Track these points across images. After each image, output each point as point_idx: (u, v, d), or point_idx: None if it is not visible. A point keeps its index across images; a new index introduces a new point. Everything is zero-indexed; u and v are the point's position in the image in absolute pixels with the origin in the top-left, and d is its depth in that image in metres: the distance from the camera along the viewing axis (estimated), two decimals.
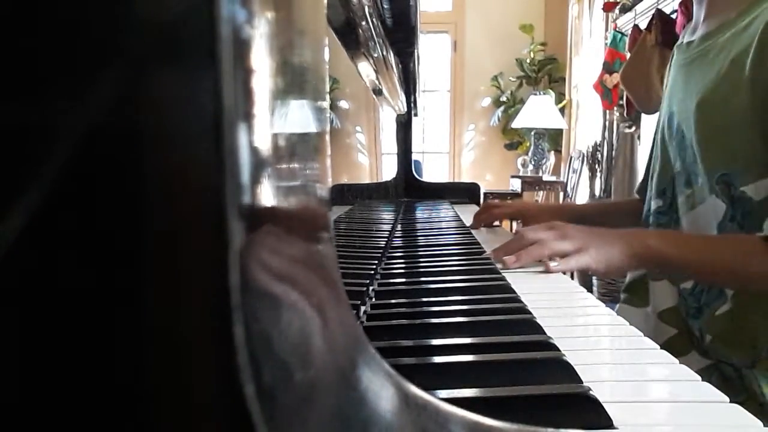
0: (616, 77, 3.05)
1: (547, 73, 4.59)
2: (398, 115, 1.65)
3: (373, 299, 0.59)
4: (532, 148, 4.26)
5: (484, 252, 0.84)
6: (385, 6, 1.00)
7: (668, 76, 0.99)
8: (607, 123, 3.60)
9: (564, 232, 0.78)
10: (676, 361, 0.43)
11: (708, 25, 0.89)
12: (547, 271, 0.76)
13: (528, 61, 4.57)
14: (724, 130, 0.81)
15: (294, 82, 0.20)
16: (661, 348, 0.46)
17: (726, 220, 0.82)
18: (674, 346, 0.86)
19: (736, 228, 0.81)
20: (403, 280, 0.70)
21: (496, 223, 1.22)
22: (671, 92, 0.96)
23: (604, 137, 3.65)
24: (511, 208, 1.26)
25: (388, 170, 1.59)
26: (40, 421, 0.14)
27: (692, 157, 0.87)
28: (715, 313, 0.84)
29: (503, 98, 4.65)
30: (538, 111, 4.10)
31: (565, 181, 4.09)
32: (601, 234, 0.77)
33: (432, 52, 4.74)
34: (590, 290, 2.01)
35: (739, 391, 0.80)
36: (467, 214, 1.24)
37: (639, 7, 3.02)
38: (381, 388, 0.23)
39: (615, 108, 3.32)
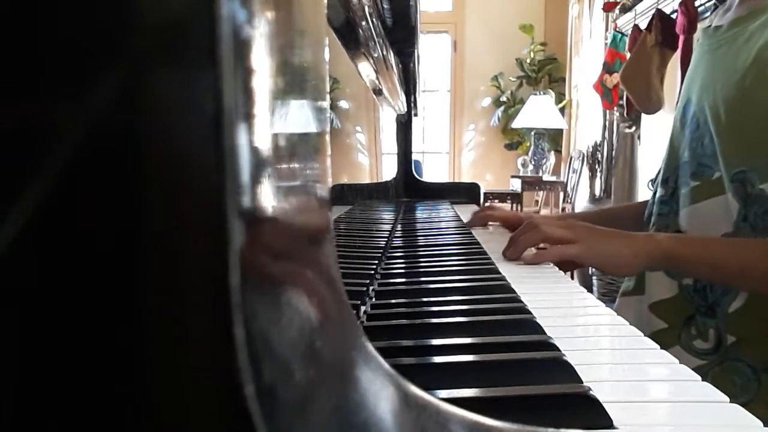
0: (616, 77, 3.05)
1: (547, 73, 4.60)
2: (398, 115, 1.65)
3: (373, 299, 0.59)
4: (532, 148, 4.26)
5: (484, 252, 0.84)
6: (385, 6, 1.00)
7: (693, 61, 0.95)
8: (607, 123, 3.60)
9: (568, 223, 0.78)
10: (677, 361, 0.43)
11: (739, 9, 0.84)
12: (528, 261, 0.77)
13: (528, 61, 4.58)
14: (747, 123, 0.78)
15: (294, 82, 0.20)
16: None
17: (739, 219, 0.79)
18: (660, 339, 0.84)
19: (748, 229, 0.78)
20: (403, 280, 0.70)
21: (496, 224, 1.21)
22: (691, 78, 0.92)
23: (604, 137, 3.65)
24: (509, 212, 1.26)
25: (388, 170, 1.59)
26: (40, 421, 0.14)
27: (709, 150, 0.83)
28: (729, 311, 0.81)
29: (503, 98, 4.65)
30: (538, 111, 4.10)
31: (565, 181, 4.10)
32: (607, 231, 0.77)
33: (432, 52, 4.75)
34: (590, 290, 2.01)
35: (745, 391, 0.78)
36: (467, 214, 1.24)
37: (639, 7, 3.03)
38: (381, 388, 0.23)
39: (615, 108, 3.32)
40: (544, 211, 4.02)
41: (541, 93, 4.25)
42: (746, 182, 0.78)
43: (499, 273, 0.70)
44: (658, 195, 0.95)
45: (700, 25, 2.32)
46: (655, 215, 0.95)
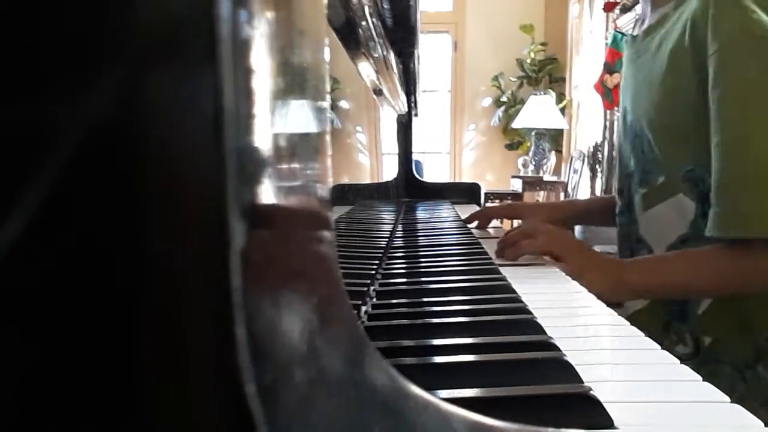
0: (616, 77, 3.05)
1: (547, 73, 4.59)
2: (399, 115, 1.65)
3: (374, 299, 0.59)
4: (532, 148, 4.26)
5: (485, 252, 0.84)
6: (385, 6, 1.00)
7: (623, 71, 0.99)
8: (607, 123, 3.60)
9: (563, 238, 0.80)
10: (677, 361, 0.43)
11: (651, 18, 0.89)
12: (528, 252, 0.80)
13: (528, 61, 4.57)
14: (679, 123, 0.80)
15: (294, 82, 0.20)
16: None
17: (698, 217, 0.80)
18: None
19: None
20: (404, 280, 0.70)
21: (497, 223, 1.22)
22: (624, 88, 0.95)
23: (604, 137, 3.65)
24: (506, 207, 1.28)
25: (389, 170, 1.59)
26: (40, 421, 0.14)
27: (650, 156, 0.85)
28: (698, 313, 0.82)
29: (504, 98, 4.65)
30: (538, 111, 4.10)
31: (566, 181, 4.09)
32: (596, 258, 0.80)
33: (432, 52, 4.74)
34: None
35: (734, 391, 0.78)
36: (468, 214, 1.24)
37: (639, 8, 3.02)
38: (382, 388, 0.23)
39: (615, 108, 3.31)
40: None
41: (542, 93, 4.25)
42: (697, 180, 0.79)
43: (500, 273, 0.70)
44: (618, 207, 0.96)
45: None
46: (618, 227, 0.97)
